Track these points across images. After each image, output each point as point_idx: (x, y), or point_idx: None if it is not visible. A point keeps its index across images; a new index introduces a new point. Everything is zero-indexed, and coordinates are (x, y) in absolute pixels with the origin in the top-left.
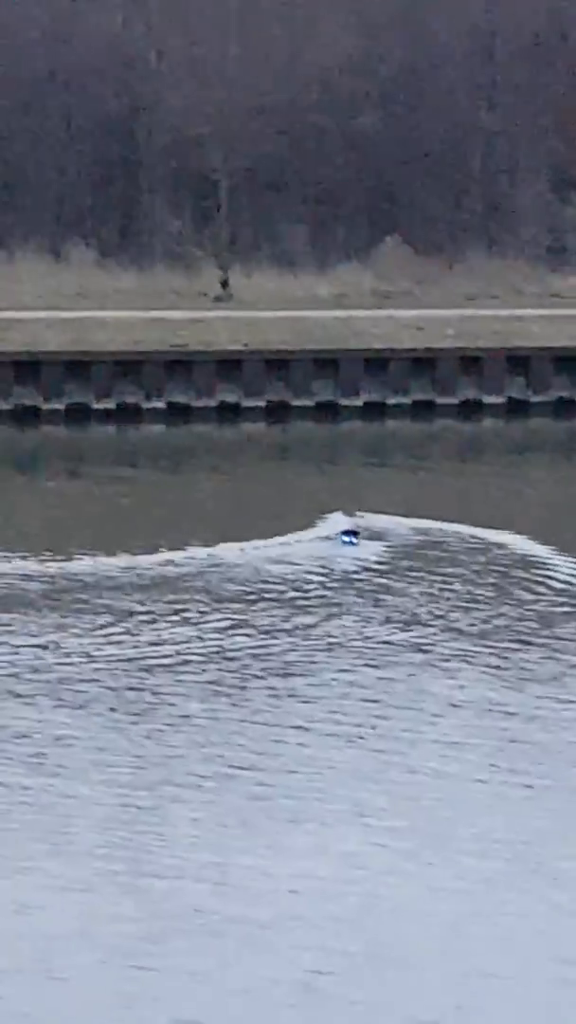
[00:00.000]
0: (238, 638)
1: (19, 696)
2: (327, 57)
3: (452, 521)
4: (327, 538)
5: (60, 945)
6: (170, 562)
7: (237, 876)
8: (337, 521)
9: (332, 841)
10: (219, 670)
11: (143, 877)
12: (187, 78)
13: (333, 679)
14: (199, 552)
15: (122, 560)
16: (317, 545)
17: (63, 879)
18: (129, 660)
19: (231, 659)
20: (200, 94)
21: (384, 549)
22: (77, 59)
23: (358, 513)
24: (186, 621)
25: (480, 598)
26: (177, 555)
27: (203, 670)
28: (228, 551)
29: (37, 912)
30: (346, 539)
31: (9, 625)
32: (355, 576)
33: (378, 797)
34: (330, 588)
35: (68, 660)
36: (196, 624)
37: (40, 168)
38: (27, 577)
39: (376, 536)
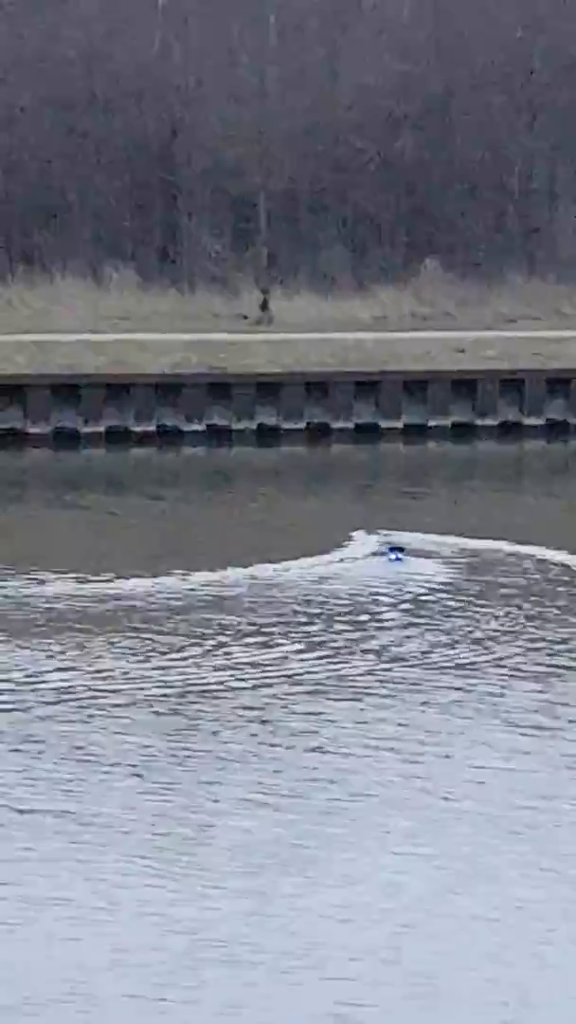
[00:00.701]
0: (312, 659)
1: (68, 720)
2: (366, 79)
3: (495, 539)
4: (373, 555)
5: (92, 976)
6: (216, 583)
7: (271, 906)
8: (367, 539)
9: (368, 870)
10: (289, 694)
11: (175, 907)
12: (226, 101)
13: (404, 699)
14: (243, 572)
15: (170, 581)
16: (366, 563)
17: (95, 909)
18: (188, 684)
19: (303, 682)
20: (239, 117)
21: (435, 566)
22: (116, 83)
23: (381, 531)
24: (262, 644)
25: (548, 616)
26: (223, 575)
27: (270, 694)
28: (274, 571)
29: (69, 943)
30: (393, 556)
31: (58, 646)
32: (419, 594)
33: (415, 823)
34: (395, 606)
35: (132, 683)
36: (271, 646)
37: (80, 191)
38: (72, 598)
39: (422, 554)
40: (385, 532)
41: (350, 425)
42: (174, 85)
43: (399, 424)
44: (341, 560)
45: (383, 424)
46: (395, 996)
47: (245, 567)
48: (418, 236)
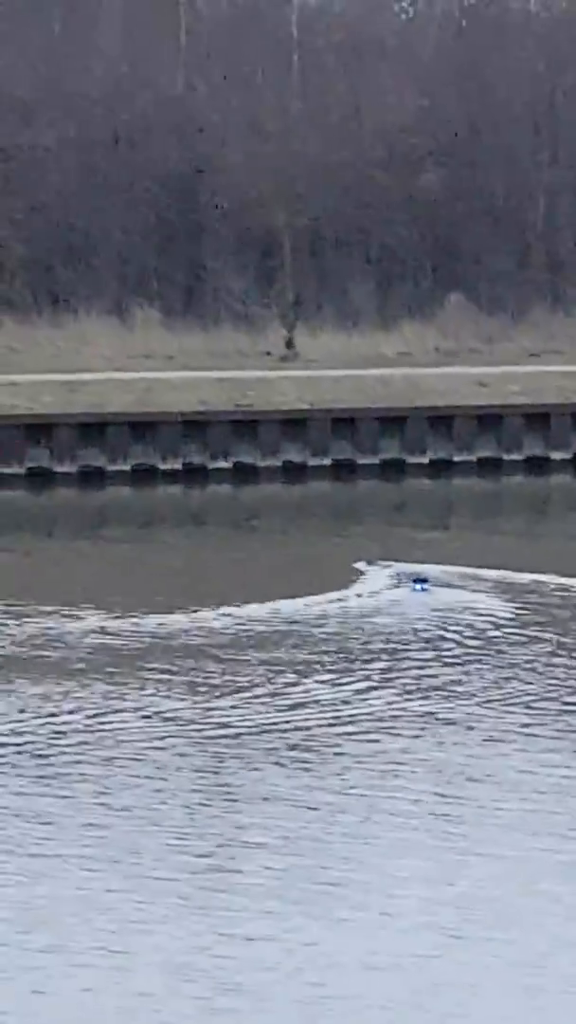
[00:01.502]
0: (377, 697)
1: (108, 760)
2: (388, 115)
3: (531, 572)
4: (396, 587)
5: (107, 1020)
6: (246, 618)
7: (299, 954)
8: (379, 572)
9: (398, 915)
10: (353, 732)
11: (202, 954)
12: (249, 138)
13: (469, 736)
14: (273, 607)
15: (201, 617)
16: (393, 595)
17: (112, 952)
18: (239, 722)
19: (360, 719)
20: (262, 153)
21: (465, 597)
22: (140, 121)
23: (381, 562)
24: (323, 682)
25: None
26: (250, 611)
27: (329, 732)
28: (301, 605)
29: (92, 994)
30: (417, 587)
31: (93, 683)
32: (474, 628)
33: (441, 865)
34: (438, 640)
35: (174, 723)
36: (334, 683)
37: (105, 230)
38: (107, 635)
39: (444, 584)
40: (385, 563)
41: (376, 461)
42: (197, 123)
43: (425, 460)
44: (362, 595)
45: (409, 460)
46: None
47: (276, 601)
48: (442, 271)
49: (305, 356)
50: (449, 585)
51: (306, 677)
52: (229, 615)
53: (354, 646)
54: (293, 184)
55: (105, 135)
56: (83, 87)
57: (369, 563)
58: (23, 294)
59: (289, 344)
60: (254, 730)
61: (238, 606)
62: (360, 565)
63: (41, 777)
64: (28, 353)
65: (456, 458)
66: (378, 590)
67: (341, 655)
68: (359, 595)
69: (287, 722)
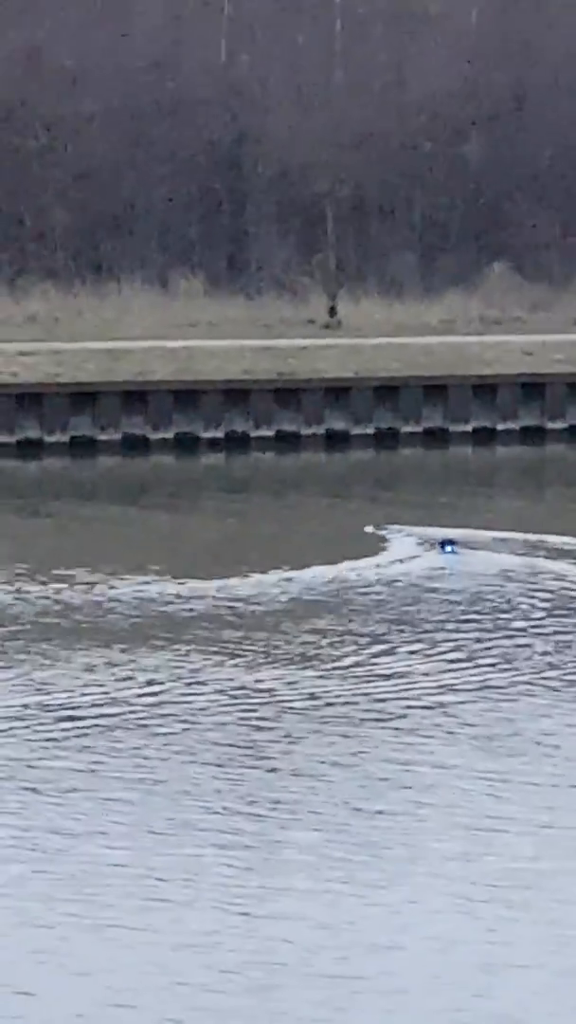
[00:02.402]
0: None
1: (157, 734)
2: (432, 83)
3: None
4: (425, 551)
5: (183, 995)
6: (290, 580)
7: (351, 931)
8: (398, 536)
9: (436, 891)
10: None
11: (230, 930)
12: (292, 107)
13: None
14: (315, 573)
15: (259, 582)
16: (429, 560)
17: (147, 932)
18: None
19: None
20: (306, 122)
21: (503, 560)
22: (183, 91)
23: (387, 526)
24: (379, 649)
25: None
26: (301, 575)
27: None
28: (346, 571)
29: (158, 967)
30: (447, 549)
31: (163, 652)
32: (522, 592)
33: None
34: (498, 604)
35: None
36: (390, 651)
37: (147, 200)
38: (165, 602)
39: (473, 547)
40: (398, 527)
41: (419, 429)
42: (240, 92)
43: (468, 428)
44: (404, 560)
45: (452, 428)
46: None
47: (315, 567)
48: (486, 240)
49: (348, 324)
50: (478, 548)
51: (361, 645)
52: (270, 582)
53: (409, 612)
54: (336, 153)
55: (149, 105)
56: (127, 57)
57: (377, 527)
58: (66, 263)
59: (332, 312)
60: (309, 699)
61: (278, 573)
62: (369, 529)
63: (101, 749)
64: (71, 322)
65: (499, 427)
66: (413, 555)
67: (394, 623)
68: (400, 560)
69: (344, 691)
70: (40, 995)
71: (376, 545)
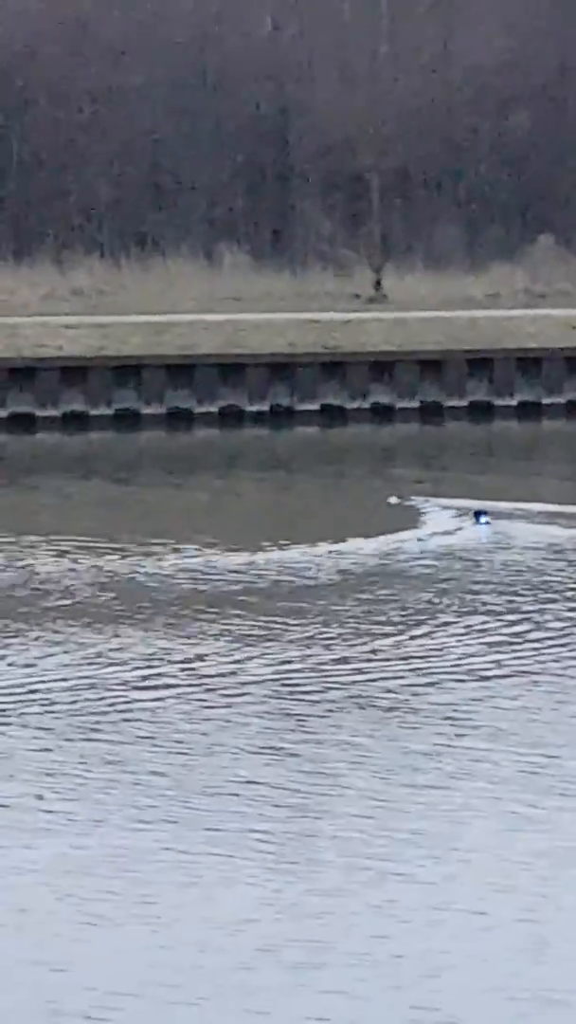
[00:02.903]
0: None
1: (205, 706)
2: (478, 57)
3: None
4: (463, 522)
5: (219, 972)
6: (338, 553)
7: (391, 908)
8: (431, 508)
9: (472, 871)
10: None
11: (265, 907)
12: (338, 80)
13: None
14: (359, 546)
15: (310, 554)
16: (471, 533)
17: (205, 910)
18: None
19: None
20: (351, 95)
21: (551, 533)
22: (228, 63)
23: (416, 497)
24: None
25: None
26: (345, 547)
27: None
28: (391, 543)
29: (195, 945)
30: (481, 520)
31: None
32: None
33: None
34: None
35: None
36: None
37: (192, 172)
38: (208, 574)
39: (505, 518)
40: (423, 498)
41: (464, 403)
42: (285, 66)
43: (513, 402)
44: (448, 532)
45: (497, 402)
46: (526, 1007)
47: (355, 540)
48: (532, 213)
49: (393, 298)
50: (524, 521)
51: (411, 619)
52: (315, 556)
53: (458, 586)
54: (381, 126)
55: (193, 77)
56: (172, 30)
57: (400, 498)
58: (111, 237)
59: (377, 286)
60: (357, 673)
61: (323, 546)
62: (393, 499)
63: (143, 724)
64: (116, 295)
65: (544, 400)
66: (456, 527)
67: (444, 595)
68: (443, 532)
69: (393, 667)
70: (76, 972)
71: (414, 518)
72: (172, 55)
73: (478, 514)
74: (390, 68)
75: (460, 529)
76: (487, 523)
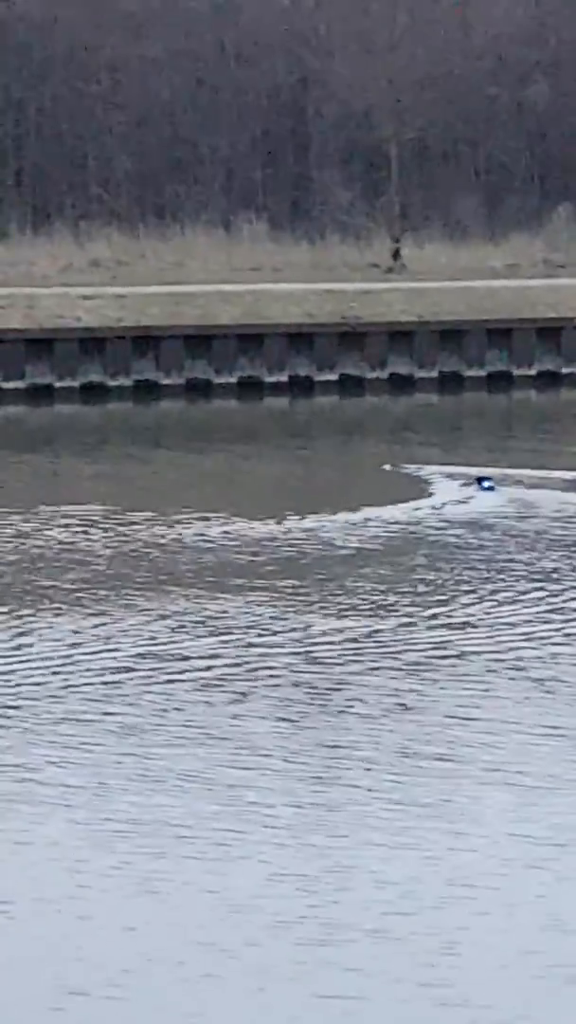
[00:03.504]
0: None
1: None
2: (497, 26)
3: None
4: (465, 487)
5: (230, 950)
6: (363, 522)
7: (411, 886)
8: (436, 476)
9: (494, 845)
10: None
11: (284, 881)
12: (356, 50)
13: None
14: (376, 514)
15: (315, 524)
16: (484, 498)
17: (218, 887)
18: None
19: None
20: (369, 65)
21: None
22: (246, 33)
23: (408, 465)
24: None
25: None
26: (360, 516)
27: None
28: (409, 512)
29: (206, 922)
30: (485, 485)
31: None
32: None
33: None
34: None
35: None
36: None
37: (211, 143)
38: (229, 544)
39: (509, 484)
40: (415, 465)
41: (483, 373)
42: (304, 36)
43: (532, 372)
44: (456, 500)
45: (516, 372)
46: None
47: (374, 508)
48: (551, 183)
49: (412, 268)
50: (546, 488)
51: (436, 590)
52: (340, 524)
53: (484, 555)
54: (400, 96)
55: (212, 48)
56: (190, 0)
57: (394, 466)
58: (130, 207)
59: (396, 256)
60: (381, 646)
61: (345, 515)
62: (387, 467)
63: (162, 698)
64: (134, 266)
65: (564, 370)
66: (466, 496)
67: (469, 565)
68: (458, 500)
69: (422, 638)
70: (86, 950)
71: (425, 486)
72: (191, 26)
73: (480, 479)
74: (409, 38)
75: (473, 497)
76: (490, 487)
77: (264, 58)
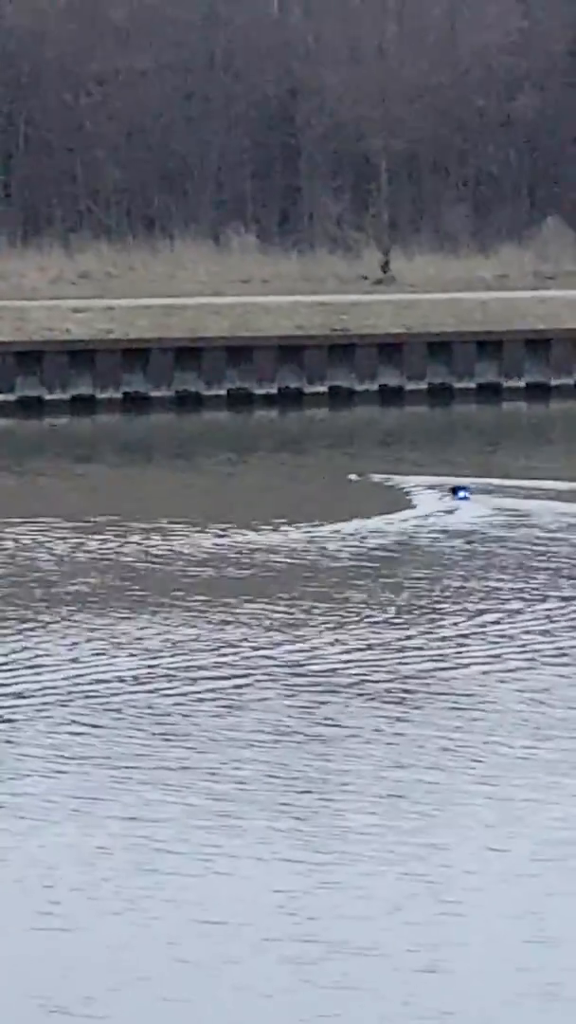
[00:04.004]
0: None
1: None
2: (486, 37)
3: None
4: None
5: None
6: (355, 532)
7: (407, 901)
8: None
9: (505, 865)
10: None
11: (295, 876)
12: (345, 61)
13: None
14: (366, 525)
15: (308, 536)
16: (475, 510)
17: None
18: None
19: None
20: (359, 77)
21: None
22: (235, 44)
23: (369, 474)
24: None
25: None
26: (352, 527)
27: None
28: (397, 523)
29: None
30: (460, 495)
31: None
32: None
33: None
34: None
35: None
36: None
37: (200, 155)
38: (223, 555)
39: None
40: (381, 476)
41: (472, 385)
42: (293, 47)
43: (521, 383)
44: (440, 512)
45: (506, 383)
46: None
47: (368, 519)
48: (540, 194)
49: (401, 280)
50: (539, 498)
51: (431, 602)
52: (344, 534)
53: (482, 566)
54: (389, 107)
55: (201, 59)
56: (179, 11)
57: (360, 475)
58: (119, 219)
59: (385, 268)
60: (384, 662)
61: (338, 525)
62: (352, 476)
63: (173, 708)
64: (124, 278)
65: (553, 381)
66: (451, 508)
67: (466, 575)
68: (445, 512)
69: (435, 649)
70: (84, 961)
71: (406, 498)
72: (180, 37)
73: (455, 489)
74: (398, 49)
75: (458, 509)
76: (465, 497)
77: (253, 69)
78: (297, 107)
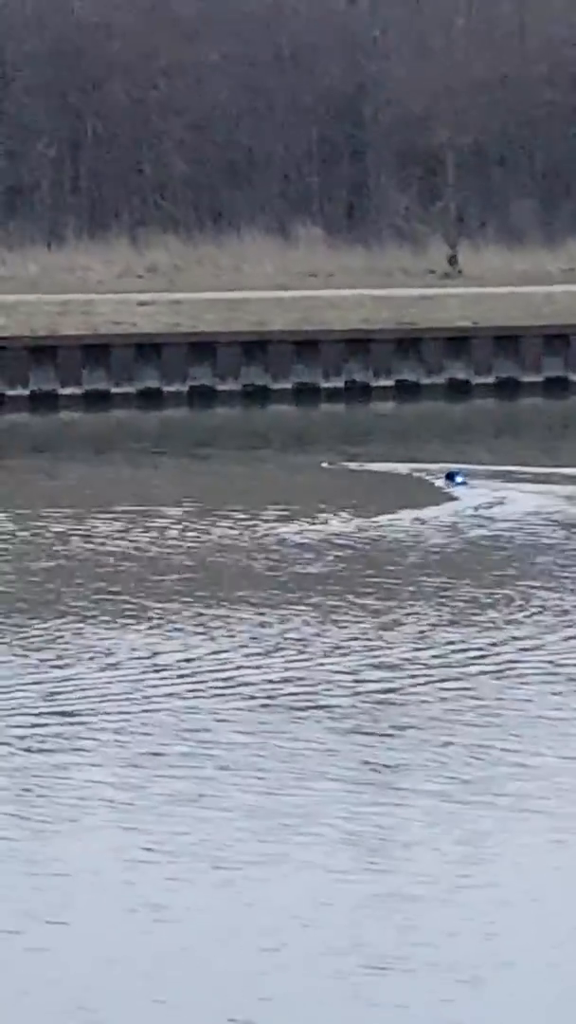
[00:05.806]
0: None
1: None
2: (554, 30)
3: None
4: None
5: (291, 928)
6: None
7: (449, 913)
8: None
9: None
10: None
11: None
12: (412, 54)
13: None
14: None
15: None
16: (511, 505)
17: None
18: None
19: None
20: (426, 70)
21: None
22: (302, 38)
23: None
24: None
25: None
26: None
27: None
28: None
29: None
30: (457, 480)
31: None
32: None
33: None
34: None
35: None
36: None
37: (267, 148)
38: (274, 548)
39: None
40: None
41: (539, 379)
42: (360, 41)
43: None
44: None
45: (573, 377)
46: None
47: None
48: None
49: (468, 273)
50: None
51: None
52: (396, 524)
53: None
54: (456, 100)
55: (268, 53)
56: (245, 4)
57: (332, 464)
58: (186, 213)
59: (452, 261)
60: (431, 649)
61: (393, 514)
62: (325, 464)
63: (212, 704)
64: (190, 272)
65: None
66: (492, 501)
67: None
68: (488, 503)
69: (482, 642)
70: (134, 964)
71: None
72: (246, 31)
73: (451, 475)
74: (465, 42)
75: (503, 500)
76: (463, 483)
77: (320, 62)
78: (364, 100)
